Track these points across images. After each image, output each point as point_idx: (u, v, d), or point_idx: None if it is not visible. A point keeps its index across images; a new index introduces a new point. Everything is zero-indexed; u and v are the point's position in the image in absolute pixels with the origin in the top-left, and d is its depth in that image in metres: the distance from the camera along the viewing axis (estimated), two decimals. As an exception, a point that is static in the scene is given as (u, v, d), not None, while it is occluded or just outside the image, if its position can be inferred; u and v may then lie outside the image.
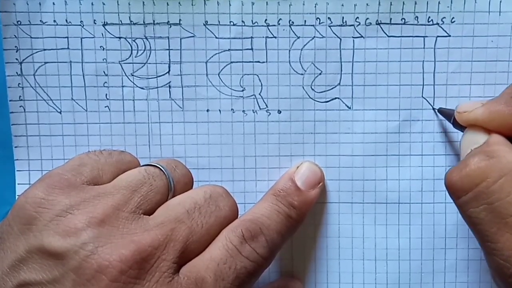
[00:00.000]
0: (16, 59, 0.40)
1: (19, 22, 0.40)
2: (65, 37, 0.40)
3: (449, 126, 0.40)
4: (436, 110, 0.40)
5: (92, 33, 0.40)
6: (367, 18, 0.40)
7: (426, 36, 0.40)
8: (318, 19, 0.40)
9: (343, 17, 0.40)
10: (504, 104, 0.33)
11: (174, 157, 0.40)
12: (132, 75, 0.40)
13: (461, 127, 0.36)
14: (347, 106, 0.40)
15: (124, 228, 0.31)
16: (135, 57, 0.40)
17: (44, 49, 0.40)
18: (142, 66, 0.40)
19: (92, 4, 0.40)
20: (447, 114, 0.39)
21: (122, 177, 0.34)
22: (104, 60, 0.40)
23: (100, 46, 0.40)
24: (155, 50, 0.40)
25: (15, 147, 0.41)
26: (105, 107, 0.41)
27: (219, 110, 0.41)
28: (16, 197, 0.41)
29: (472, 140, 0.34)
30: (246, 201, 0.41)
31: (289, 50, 0.40)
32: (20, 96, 0.40)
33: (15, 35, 0.40)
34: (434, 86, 0.40)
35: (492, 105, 0.34)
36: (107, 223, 0.31)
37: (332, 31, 0.40)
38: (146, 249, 0.30)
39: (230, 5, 0.40)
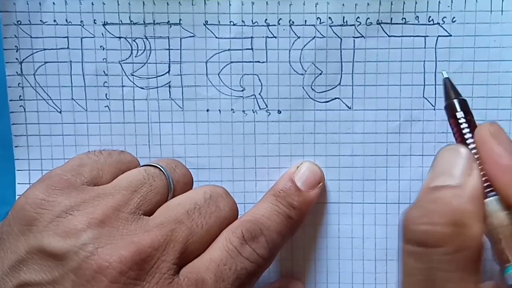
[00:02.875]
0: (16, 58, 0.40)
1: (19, 22, 0.40)
2: (65, 37, 0.40)
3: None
4: (445, 78, 0.33)
5: (92, 33, 0.40)
6: (368, 18, 0.39)
7: (427, 36, 0.40)
8: (318, 19, 0.40)
9: (343, 17, 0.40)
10: None
11: (174, 157, 0.40)
12: (132, 75, 0.40)
13: (451, 121, 0.32)
14: (348, 106, 0.40)
15: (123, 229, 0.31)
16: (135, 57, 0.40)
17: (44, 49, 0.40)
18: (142, 66, 0.40)
19: (92, 4, 0.40)
20: (449, 89, 0.33)
21: (122, 177, 0.34)
22: (104, 60, 0.40)
23: (100, 46, 0.40)
24: (155, 50, 0.40)
25: (15, 146, 0.41)
26: (105, 106, 0.41)
27: (219, 110, 0.41)
28: (16, 196, 0.41)
29: (450, 165, 0.29)
30: (246, 201, 0.41)
31: (289, 50, 0.40)
32: (20, 96, 0.40)
33: (15, 35, 0.40)
34: (435, 86, 0.40)
35: None
36: (107, 224, 0.31)
37: (333, 31, 0.40)
38: (146, 250, 0.30)
39: (230, 5, 0.40)
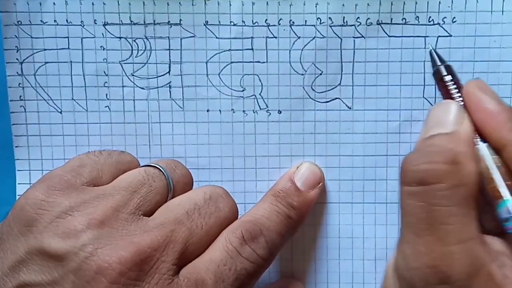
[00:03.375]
0: (17, 59, 0.40)
1: (19, 22, 0.40)
2: (66, 37, 0.40)
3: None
4: (431, 48, 0.39)
5: (93, 33, 0.40)
6: (368, 18, 0.39)
7: (427, 36, 0.40)
8: (318, 19, 0.40)
9: (344, 17, 0.40)
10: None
11: (175, 157, 0.40)
12: (133, 75, 0.40)
13: (439, 84, 0.37)
14: (348, 106, 0.40)
15: (123, 230, 0.31)
16: (136, 57, 0.40)
17: (45, 49, 0.40)
18: (143, 66, 0.40)
19: (92, 4, 0.40)
20: (435, 58, 0.38)
21: (122, 178, 0.34)
22: (105, 60, 0.40)
23: (101, 46, 0.40)
24: (156, 50, 0.40)
25: (16, 146, 0.41)
26: (106, 107, 0.41)
27: (220, 110, 0.41)
28: (17, 197, 0.41)
29: (442, 117, 0.33)
30: (246, 201, 0.41)
31: (290, 50, 0.40)
32: (20, 96, 0.40)
33: (15, 35, 0.40)
34: (435, 86, 0.40)
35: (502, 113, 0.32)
36: (106, 224, 0.31)
37: (333, 31, 0.40)
38: (146, 250, 0.30)
39: (230, 5, 0.40)
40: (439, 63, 0.37)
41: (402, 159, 0.32)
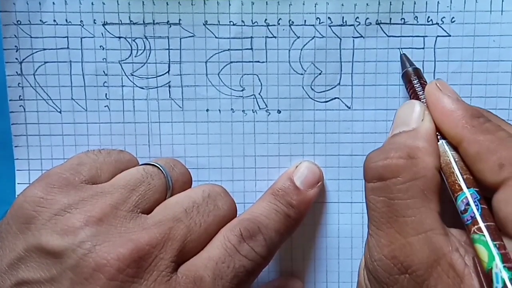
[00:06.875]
0: (16, 58, 0.40)
1: (19, 22, 0.40)
2: (65, 37, 0.40)
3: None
4: (401, 54, 0.40)
5: (92, 33, 0.40)
6: (367, 18, 0.40)
7: (426, 36, 0.40)
8: (318, 19, 0.40)
9: (343, 17, 0.40)
10: (467, 116, 0.33)
11: (174, 157, 0.40)
12: (132, 75, 0.40)
13: (407, 86, 0.38)
14: (347, 106, 0.40)
15: (122, 227, 0.31)
16: (135, 56, 0.40)
17: (44, 49, 0.40)
18: (142, 66, 0.40)
19: (92, 3, 0.40)
20: (404, 61, 0.39)
21: (121, 176, 0.34)
22: (104, 60, 0.40)
23: (100, 46, 0.40)
24: (155, 49, 0.40)
25: (15, 146, 0.41)
26: (105, 106, 0.41)
27: (219, 110, 0.41)
28: (16, 196, 0.41)
29: (406, 116, 0.34)
30: (246, 200, 0.41)
31: (289, 50, 0.40)
32: (20, 96, 0.40)
33: (15, 35, 0.40)
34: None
35: (459, 111, 0.33)
36: (105, 222, 0.31)
37: (332, 31, 0.40)
38: (144, 247, 0.30)
39: (229, 5, 0.40)
40: (408, 66, 0.38)
41: (366, 158, 0.33)
